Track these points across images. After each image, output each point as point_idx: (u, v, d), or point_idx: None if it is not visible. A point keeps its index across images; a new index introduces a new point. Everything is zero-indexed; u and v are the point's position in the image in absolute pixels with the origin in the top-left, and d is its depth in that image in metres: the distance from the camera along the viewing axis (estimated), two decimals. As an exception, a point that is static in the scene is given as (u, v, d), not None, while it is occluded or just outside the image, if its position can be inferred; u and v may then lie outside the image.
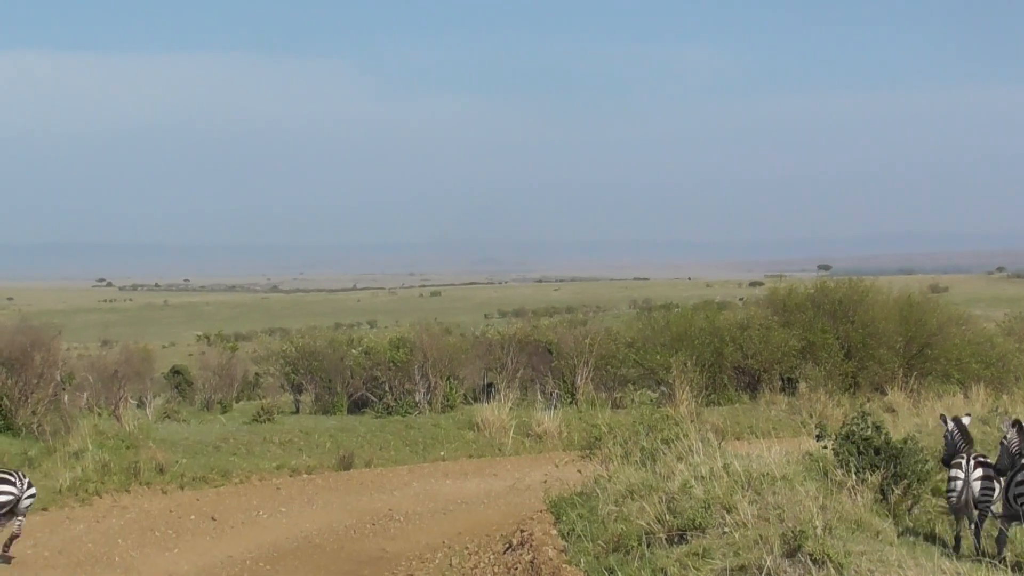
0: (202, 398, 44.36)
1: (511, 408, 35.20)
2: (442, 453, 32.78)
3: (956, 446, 17.50)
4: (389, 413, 37.05)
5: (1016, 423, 16.93)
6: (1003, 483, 16.58)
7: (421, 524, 24.26)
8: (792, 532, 13.59)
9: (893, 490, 17.83)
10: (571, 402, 38.99)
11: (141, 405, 39.41)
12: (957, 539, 16.88)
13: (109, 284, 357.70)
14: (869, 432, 18.90)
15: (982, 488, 16.68)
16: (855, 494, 17.26)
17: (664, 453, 19.59)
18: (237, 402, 45.00)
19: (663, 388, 38.70)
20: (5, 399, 30.38)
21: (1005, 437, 16.92)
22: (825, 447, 19.93)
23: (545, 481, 22.42)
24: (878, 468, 17.98)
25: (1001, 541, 16.05)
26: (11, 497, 20.28)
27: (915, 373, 40.51)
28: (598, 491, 19.41)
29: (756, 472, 17.09)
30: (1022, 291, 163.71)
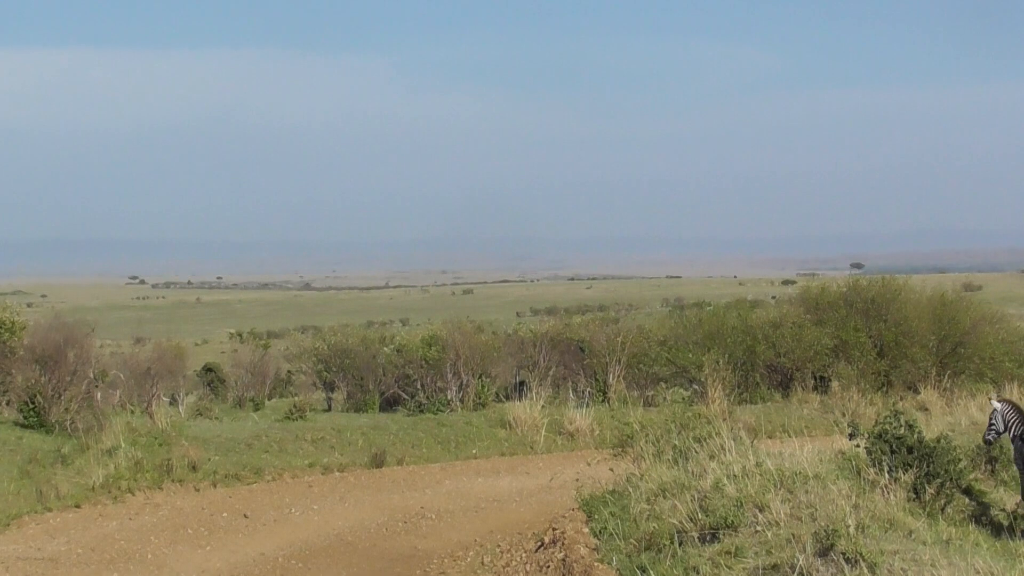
0: (234, 395, 44.45)
1: (543, 406, 35.15)
2: (474, 451, 32.75)
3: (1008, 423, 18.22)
4: (421, 411, 37.07)
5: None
6: None
7: (453, 522, 24.25)
8: (825, 531, 13.56)
9: (926, 489, 17.77)
10: (603, 400, 38.97)
11: (174, 402, 39.55)
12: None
13: (142, 282, 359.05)
14: (902, 431, 18.85)
15: None
16: (888, 493, 17.22)
17: (696, 451, 19.57)
18: (269, 400, 45.08)
19: (695, 386, 38.63)
20: (39, 396, 30.48)
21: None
22: (858, 446, 19.88)
23: (577, 479, 22.42)
24: (911, 467, 17.93)
25: None
26: None
27: (948, 372, 40.37)
28: (630, 489, 19.38)
29: (789, 471, 17.05)
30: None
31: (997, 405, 19.80)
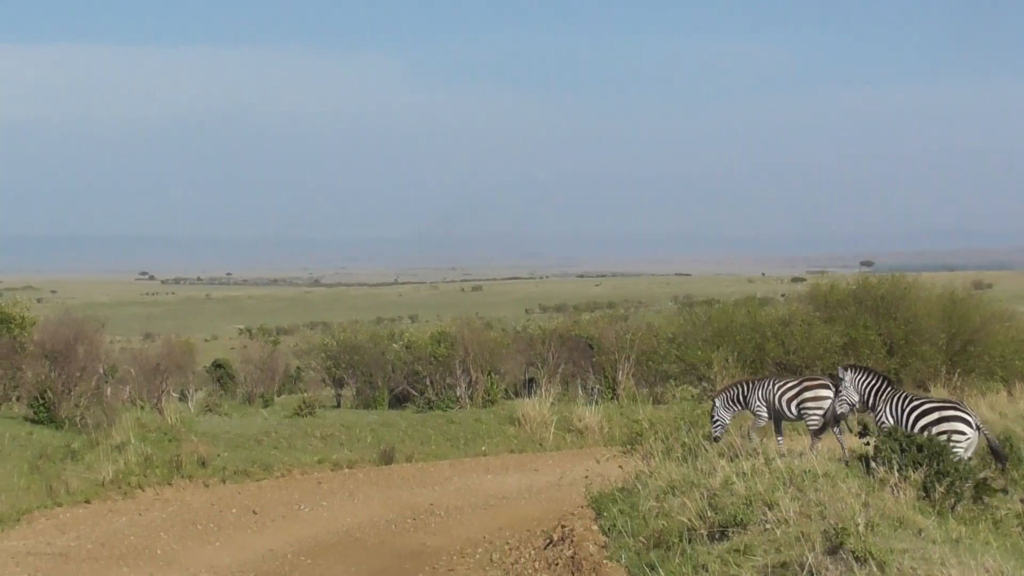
0: (244, 392, 44.54)
1: (552, 403, 35.16)
2: (483, 448, 32.76)
3: None
4: (430, 408, 37.10)
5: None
6: None
7: (462, 519, 24.26)
8: (834, 529, 13.56)
9: (936, 488, 17.74)
10: (612, 397, 38.96)
11: (183, 398, 39.60)
12: None
13: (151, 277, 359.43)
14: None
15: None
16: (897, 491, 17.19)
17: (706, 449, 19.59)
18: (278, 396, 45.16)
19: (704, 384, 38.59)
20: (49, 392, 30.56)
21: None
22: (867, 444, 19.87)
23: (586, 476, 22.41)
24: (921, 465, 17.89)
25: None
26: None
27: (958, 370, 40.29)
28: (639, 487, 19.40)
29: (798, 469, 17.07)
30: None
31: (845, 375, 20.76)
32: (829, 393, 22.02)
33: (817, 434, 22.12)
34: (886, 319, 42.80)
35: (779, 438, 23.01)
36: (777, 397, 22.79)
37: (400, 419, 34.96)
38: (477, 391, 38.00)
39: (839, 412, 21.56)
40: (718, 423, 23.17)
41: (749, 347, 40.77)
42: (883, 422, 20.36)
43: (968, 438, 19.56)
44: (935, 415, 19.77)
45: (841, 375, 21.33)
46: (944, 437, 19.06)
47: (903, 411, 20.13)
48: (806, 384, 22.93)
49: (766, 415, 23.01)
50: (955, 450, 18.85)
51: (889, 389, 20.78)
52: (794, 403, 22.75)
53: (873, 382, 20.98)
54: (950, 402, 21.18)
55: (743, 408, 23.40)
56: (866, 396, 20.98)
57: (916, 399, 20.54)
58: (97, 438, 28.36)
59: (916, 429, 19.60)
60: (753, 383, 23.44)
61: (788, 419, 23.17)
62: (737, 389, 23.53)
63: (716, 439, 21.91)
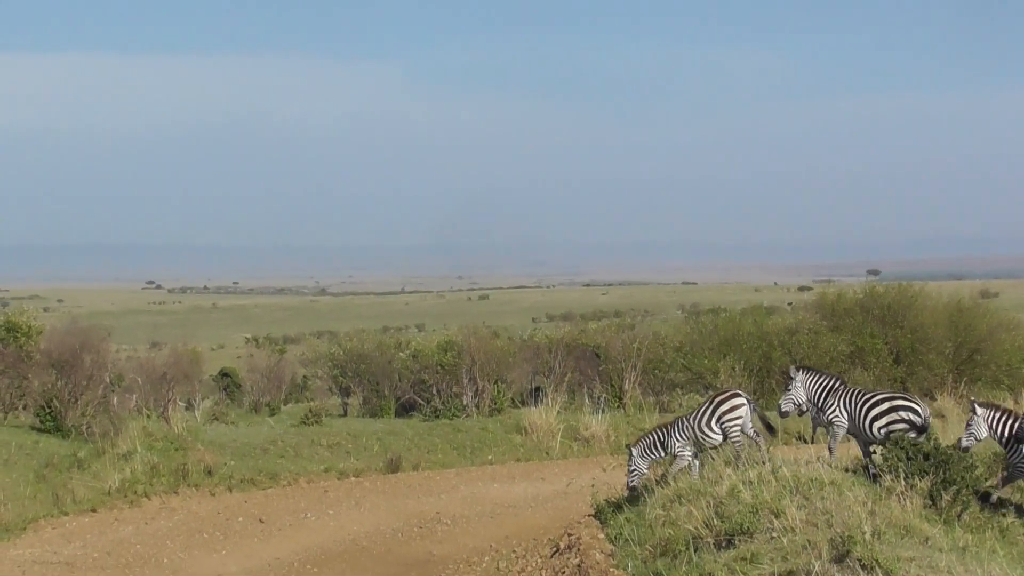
0: (250, 400, 44.52)
1: (559, 412, 35.15)
2: (490, 457, 32.77)
3: None
4: (437, 416, 37.11)
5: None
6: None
7: (468, 528, 24.28)
8: (841, 537, 13.55)
9: (942, 496, 17.73)
10: (619, 406, 38.92)
11: (190, 407, 39.59)
12: None
13: (158, 286, 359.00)
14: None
15: None
16: (904, 500, 17.17)
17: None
18: (285, 405, 45.15)
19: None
20: (55, 400, 30.56)
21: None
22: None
23: (593, 485, 22.45)
24: (927, 474, 17.88)
25: None
26: None
27: (965, 379, 40.31)
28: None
29: (804, 477, 17.07)
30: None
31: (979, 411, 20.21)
32: (742, 399, 21.44)
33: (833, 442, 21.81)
34: (893, 328, 42.84)
35: (694, 472, 21.26)
36: (695, 428, 21.63)
37: (406, 428, 34.99)
38: (484, 400, 37.98)
39: (783, 410, 21.47)
40: (635, 472, 22.03)
41: (756, 356, 40.79)
42: (835, 419, 20.69)
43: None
44: (886, 404, 20.30)
45: (792, 374, 21.40)
46: (896, 425, 19.82)
47: (855, 405, 20.53)
48: (717, 399, 21.58)
49: (689, 454, 21.81)
50: (907, 435, 19.52)
51: (841, 387, 21.05)
52: (713, 423, 21.24)
53: (825, 382, 21.20)
54: (900, 394, 21.76)
55: (664, 454, 21.74)
56: (817, 396, 21.12)
57: (867, 392, 20.99)
58: (103, 447, 28.41)
59: (869, 419, 20.21)
60: (667, 427, 21.74)
61: (714, 444, 21.45)
62: (652, 437, 21.76)
63: (632, 488, 21.26)
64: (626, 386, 39.74)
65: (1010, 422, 19.39)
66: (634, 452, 21.49)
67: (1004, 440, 19.40)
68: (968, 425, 19.78)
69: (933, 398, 39.06)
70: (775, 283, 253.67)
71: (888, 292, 45.21)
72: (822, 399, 20.97)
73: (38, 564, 21.04)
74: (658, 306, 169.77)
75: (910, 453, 18.35)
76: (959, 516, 17.78)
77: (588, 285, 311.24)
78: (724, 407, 21.00)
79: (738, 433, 20.78)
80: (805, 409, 21.36)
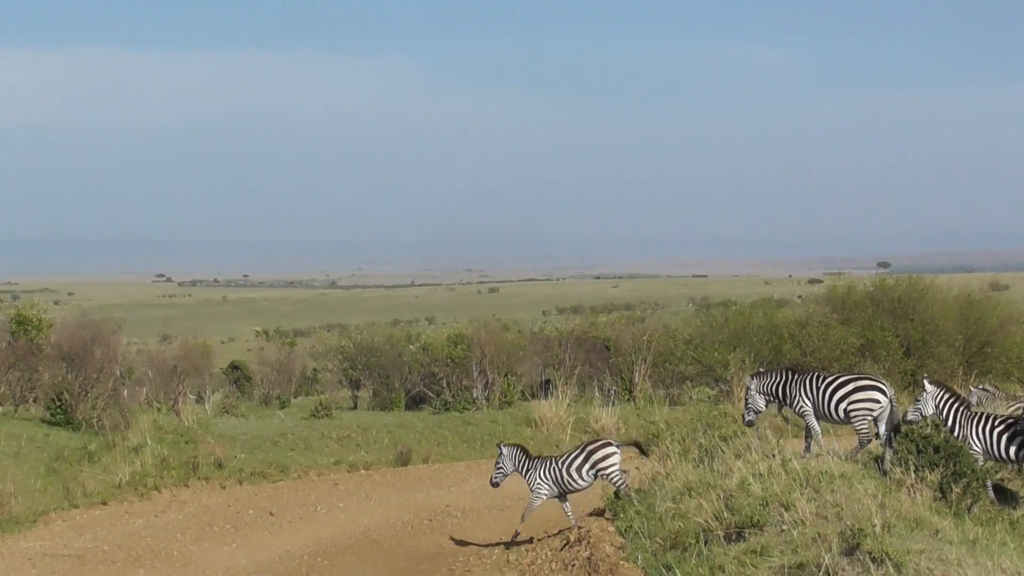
0: (260, 393, 44.57)
1: (569, 405, 35.12)
2: (500, 450, 32.74)
3: None
4: (447, 409, 37.13)
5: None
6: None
7: (479, 520, 24.29)
8: (851, 530, 13.54)
9: (952, 489, 17.71)
10: (629, 399, 38.91)
11: (200, 400, 39.67)
12: None
13: (168, 280, 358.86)
14: (928, 430, 18.79)
15: None
16: (914, 492, 17.17)
17: (722, 450, 19.59)
18: (295, 397, 45.18)
19: (721, 385, 38.55)
20: (65, 394, 30.58)
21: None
22: (881, 445, 19.88)
23: (603, 478, 22.38)
24: (937, 467, 17.86)
25: None
26: None
27: (975, 371, 40.21)
28: (656, 488, 19.41)
29: (814, 470, 17.06)
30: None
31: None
32: (615, 448, 20.77)
33: (862, 442, 21.67)
34: (903, 320, 42.73)
35: (567, 510, 21.00)
36: (563, 472, 20.77)
37: (417, 421, 34.98)
38: (494, 393, 38.02)
39: (747, 420, 21.93)
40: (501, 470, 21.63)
41: (766, 349, 40.73)
42: (801, 408, 21.28)
43: (881, 406, 20.71)
44: (851, 386, 20.85)
45: (748, 384, 22.18)
46: (861, 405, 20.59)
47: (818, 389, 21.08)
48: (589, 448, 20.84)
49: (546, 492, 21.29)
50: (866, 418, 20.59)
51: (797, 377, 21.50)
52: (584, 470, 20.66)
53: (778, 379, 21.66)
54: (865, 375, 22.31)
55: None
56: (777, 393, 21.65)
57: (828, 375, 21.59)
58: (114, 440, 28.42)
59: (834, 402, 20.80)
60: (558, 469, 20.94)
61: (577, 490, 21.00)
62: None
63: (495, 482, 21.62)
64: (636, 379, 39.73)
65: (955, 404, 19.78)
66: (504, 451, 21.55)
67: (947, 419, 19.66)
68: (916, 400, 20.28)
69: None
70: (790, 276, 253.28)
71: (899, 285, 45.09)
72: (782, 394, 21.67)
73: (49, 557, 21.05)
74: (668, 299, 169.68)
75: (920, 446, 18.33)
76: (969, 509, 17.77)
77: (598, 278, 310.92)
78: (597, 455, 20.49)
79: (618, 479, 20.36)
80: (766, 409, 22.39)
